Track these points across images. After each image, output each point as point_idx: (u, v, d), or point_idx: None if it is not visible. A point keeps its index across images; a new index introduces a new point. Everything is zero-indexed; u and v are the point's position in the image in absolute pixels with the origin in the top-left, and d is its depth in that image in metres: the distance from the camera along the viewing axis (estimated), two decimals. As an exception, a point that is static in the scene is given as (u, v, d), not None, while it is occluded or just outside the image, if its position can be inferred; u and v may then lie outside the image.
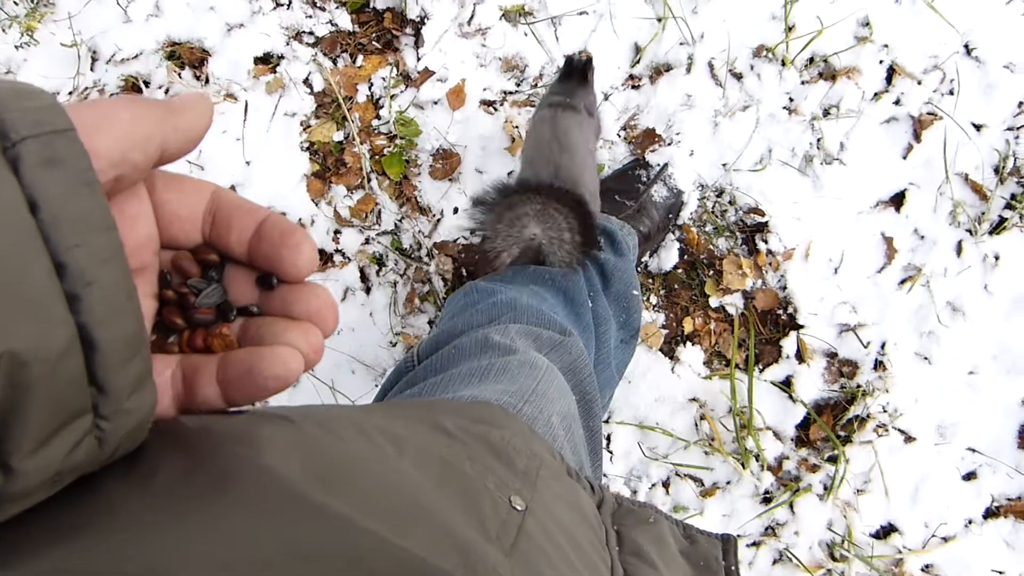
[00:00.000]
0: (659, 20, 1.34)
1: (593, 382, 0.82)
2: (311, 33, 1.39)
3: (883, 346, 1.31)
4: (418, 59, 1.35)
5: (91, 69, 1.39)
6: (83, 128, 0.26)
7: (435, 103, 1.35)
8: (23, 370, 0.23)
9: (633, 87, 1.35)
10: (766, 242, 1.31)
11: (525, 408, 0.62)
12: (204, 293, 0.34)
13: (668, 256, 1.31)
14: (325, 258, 1.36)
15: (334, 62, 1.38)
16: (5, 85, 0.25)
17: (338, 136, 1.36)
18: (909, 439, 1.30)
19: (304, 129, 1.37)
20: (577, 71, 1.10)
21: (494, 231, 0.92)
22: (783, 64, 1.33)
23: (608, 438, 1.31)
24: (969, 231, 1.32)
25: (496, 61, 1.36)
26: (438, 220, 1.34)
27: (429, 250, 1.33)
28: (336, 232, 1.35)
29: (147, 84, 1.37)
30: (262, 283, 0.35)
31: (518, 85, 1.37)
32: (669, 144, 1.33)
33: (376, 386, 1.34)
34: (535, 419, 0.61)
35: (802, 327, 1.30)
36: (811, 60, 1.34)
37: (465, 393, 0.63)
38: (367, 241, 1.33)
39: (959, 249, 1.32)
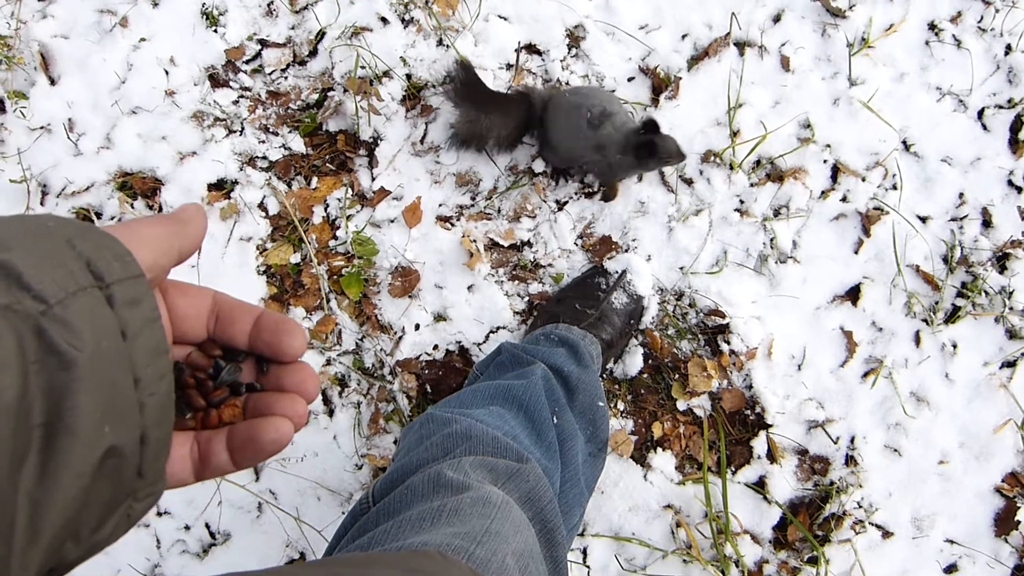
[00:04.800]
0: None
1: (554, 509, 0.88)
2: (264, 158, 1.51)
3: (852, 440, 1.41)
4: (373, 179, 1.47)
5: (41, 204, 1.48)
6: (127, 246, 0.37)
7: (391, 221, 1.46)
8: (118, 461, 0.35)
9: (587, 196, 1.47)
10: (728, 343, 1.42)
11: (477, 551, 0.68)
12: (226, 370, 0.46)
13: (633, 361, 1.41)
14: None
15: (289, 185, 1.49)
16: (91, 232, 0.36)
17: (295, 258, 1.45)
18: (887, 534, 1.39)
19: (260, 253, 1.46)
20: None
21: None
22: (731, 168, 1.47)
23: (584, 552, 1.38)
24: (925, 321, 1.45)
25: (450, 177, 1.48)
26: (400, 337, 1.43)
27: (392, 368, 1.42)
28: (296, 358, 1.42)
29: (99, 215, 1.46)
30: (258, 366, 0.47)
31: (473, 199, 1.48)
32: (626, 251, 1.45)
33: (343, 512, 1.39)
34: (487, 562, 0.67)
35: (771, 426, 1.41)
36: (758, 163, 1.49)
37: (415, 540, 0.69)
38: (328, 362, 1.41)
39: (917, 339, 1.44)
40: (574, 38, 1.59)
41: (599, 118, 1.33)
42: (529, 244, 1.50)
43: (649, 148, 1.29)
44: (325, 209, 1.52)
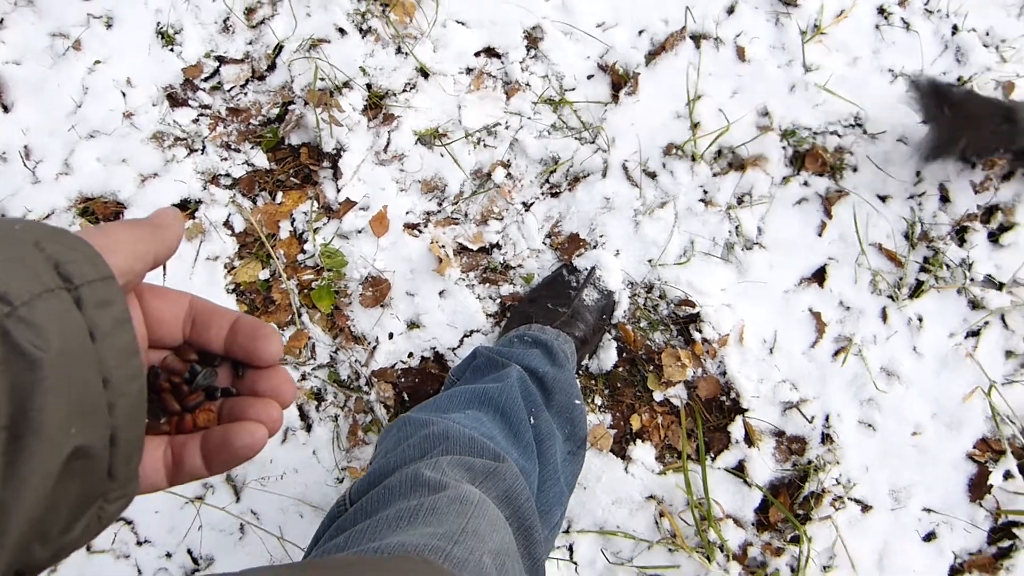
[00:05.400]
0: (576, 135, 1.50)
1: (531, 507, 0.90)
2: (228, 175, 1.51)
3: (827, 419, 1.45)
4: (338, 191, 1.48)
5: None
6: (101, 250, 0.38)
7: (359, 232, 1.47)
8: (86, 462, 0.36)
9: (553, 195, 1.50)
10: (700, 331, 1.45)
11: (454, 550, 0.69)
12: (202, 374, 0.46)
13: (607, 356, 1.44)
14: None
15: (253, 201, 1.50)
16: (60, 235, 0.36)
17: (264, 275, 1.46)
18: (866, 508, 1.43)
19: (228, 271, 1.47)
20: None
21: None
22: (693, 159, 1.50)
23: (570, 548, 1.40)
24: (891, 297, 1.49)
25: (416, 184, 1.50)
26: (374, 348, 1.44)
27: (368, 379, 1.43)
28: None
29: (62, 243, 1.45)
30: (234, 371, 0.48)
31: (440, 205, 1.50)
32: (594, 247, 1.47)
33: (328, 526, 1.39)
34: (465, 561, 0.68)
35: (747, 410, 1.44)
36: (719, 153, 1.52)
37: (392, 540, 0.70)
38: (303, 377, 1.42)
39: (884, 316, 1.48)
40: (532, 39, 1.62)
41: None
42: (498, 246, 1.52)
43: None
44: (292, 223, 1.53)
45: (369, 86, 1.58)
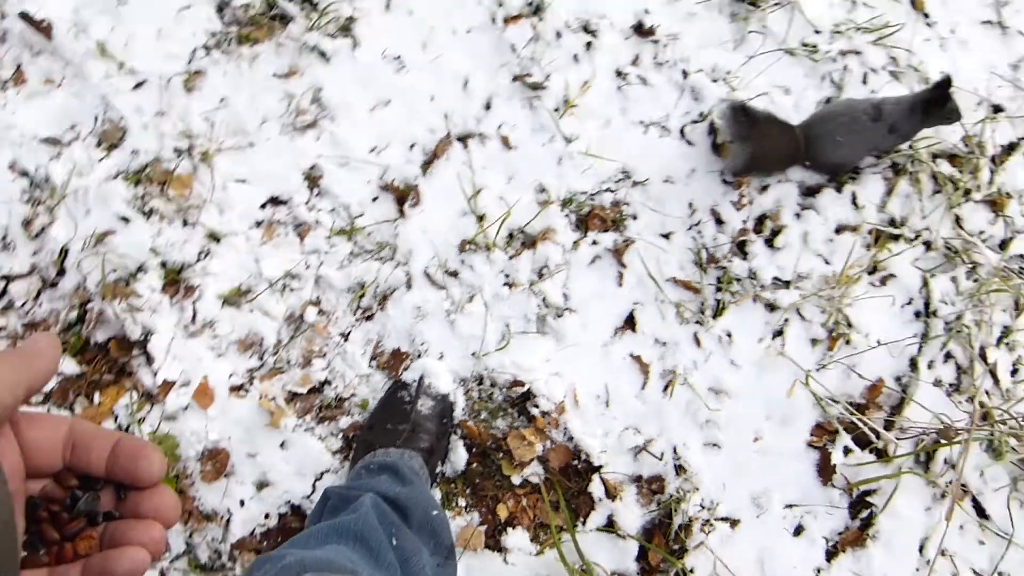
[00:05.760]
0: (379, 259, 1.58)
1: None
2: (39, 392, 1.48)
3: (675, 451, 1.54)
4: (154, 375, 1.49)
5: None
6: None
7: (185, 409, 1.48)
8: None
9: (367, 319, 1.56)
10: (537, 406, 1.53)
11: None
12: (83, 499, 0.46)
13: (458, 456, 1.49)
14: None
15: (71, 409, 1.48)
16: None
17: (99, 480, 1.43)
18: (734, 523, 1.52)
19: (61, 488, 1.43)
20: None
21: None
22: (488, 249, 1.61)
23: (474, 655, 1.41)
24: (698, 323, 1.61)
25: (232, 346, 1.53)
26: (228, 520, 1.44)
27: (230, 553, 1.41)
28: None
29: None
30: (117, 493, 0.48)
31: (261, 359, 1.53)
32: (419, 356, 1.54)
33: None
34: None
35: (601, 467, 1.51)
36: (511, 236, 1.64)
37: None
38: (162, 574, 1.39)
39: (697, 341, 1.61)
40: (312, 179, 1.70)
41: (875, 110, 1.60)
42: (327, 382, 1.56)
43: (940, 99, 1.56)
44: (115, 420, 1.52)
45: (164, 264, 1.61)
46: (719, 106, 1.71)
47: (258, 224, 1.67)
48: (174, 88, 1.73)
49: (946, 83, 1.57)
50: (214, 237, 1.64)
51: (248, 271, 1.62)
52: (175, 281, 1.61)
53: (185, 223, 1.65)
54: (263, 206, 1.68)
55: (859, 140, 1.65)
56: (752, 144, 1.62)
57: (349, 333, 1.59)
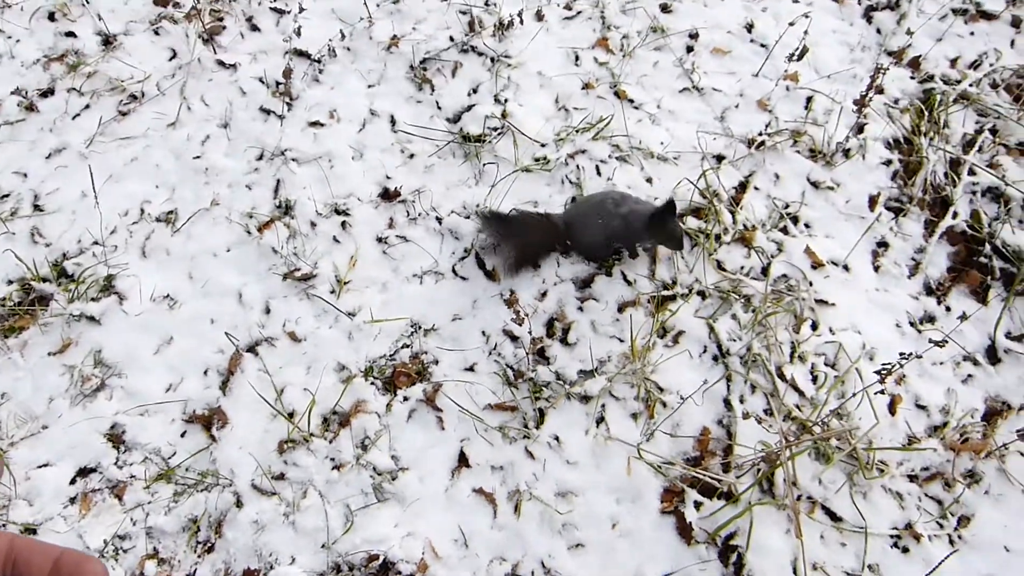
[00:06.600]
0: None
1: None
2: None
3: (543, 565, 1.60)
4: None
5: None
6: None
7: None
8: None
9: (208, 551, 1.58)
10: (399, 573, 1.54)
11: None
12: None
13: (335, 658, 1.46)
14: None
15: None
16: None
17: None
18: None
19: None
20: None
21: None
22: (306, 441, 1.72)
23: None
24: (526, 437, 1.72)
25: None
26: None
27: None
28: None
29: None
30: None
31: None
32: (271, 569, 1.54)
33: None
34: None
35: (477, 611, 1.51)
36: (325, 421, 1.72)
37: None
38: None
39: (530, 454, 1.72)
40: (115, 438, 1.72)
41: (619, 200, 1.85)
42: (182, 634, 1.52)
43: (664, 214, 1.78)
44: None
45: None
46: (480, 211, 1.95)
47: (72, 500, 1.65)
48: (-49, 398, 1.72)
49: (669, 205, 1.81)
50: (30, 530, 1.60)
51: (76, 547, 1.58)
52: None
53: (-6, 528, 1.61)
54: (72, 481, 1.67)
55: (608, 220, 1.86)
56: (514, 238, 1.82)
57: (195, 572, 1.57)
